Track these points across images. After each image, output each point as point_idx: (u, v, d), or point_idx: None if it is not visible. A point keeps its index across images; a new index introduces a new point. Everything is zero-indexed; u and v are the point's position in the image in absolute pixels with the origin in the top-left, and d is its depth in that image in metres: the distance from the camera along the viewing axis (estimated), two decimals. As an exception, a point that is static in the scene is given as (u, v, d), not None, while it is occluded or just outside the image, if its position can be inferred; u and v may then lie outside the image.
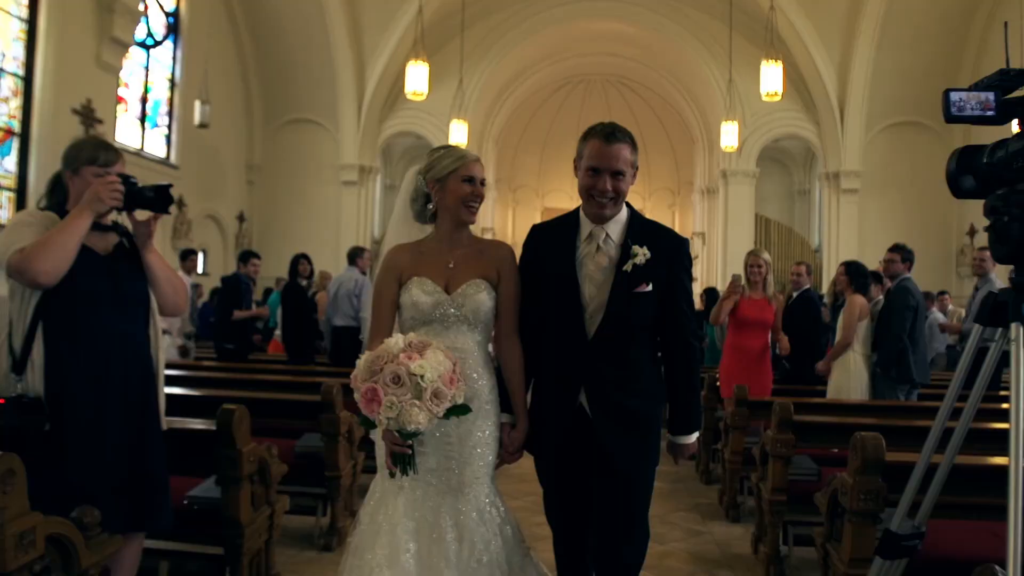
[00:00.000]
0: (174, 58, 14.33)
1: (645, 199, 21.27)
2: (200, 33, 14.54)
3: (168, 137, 14.32)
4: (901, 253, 5.69)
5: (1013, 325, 1.74)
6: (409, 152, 18.64)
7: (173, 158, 14.34)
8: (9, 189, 10.20)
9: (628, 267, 2.33)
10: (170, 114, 14.34)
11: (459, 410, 2.14)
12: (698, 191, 19.40)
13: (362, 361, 2.09)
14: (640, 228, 2.42)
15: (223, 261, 15.86)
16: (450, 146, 2.48)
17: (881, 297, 5.93)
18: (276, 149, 16.67)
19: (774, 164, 18.78)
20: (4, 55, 9.88)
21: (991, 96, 1.74)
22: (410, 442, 2.12)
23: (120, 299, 2.48)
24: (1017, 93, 1.76)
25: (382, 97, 16.27)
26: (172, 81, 14.33)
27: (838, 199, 15.95)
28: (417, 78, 11.89)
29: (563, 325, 2.38)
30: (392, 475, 2.21)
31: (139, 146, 13.27)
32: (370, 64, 15.81)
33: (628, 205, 2.43)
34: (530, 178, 21.36)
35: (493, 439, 2.37)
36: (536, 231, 2.57)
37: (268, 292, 10.67)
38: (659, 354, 2.49)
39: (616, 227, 2.41)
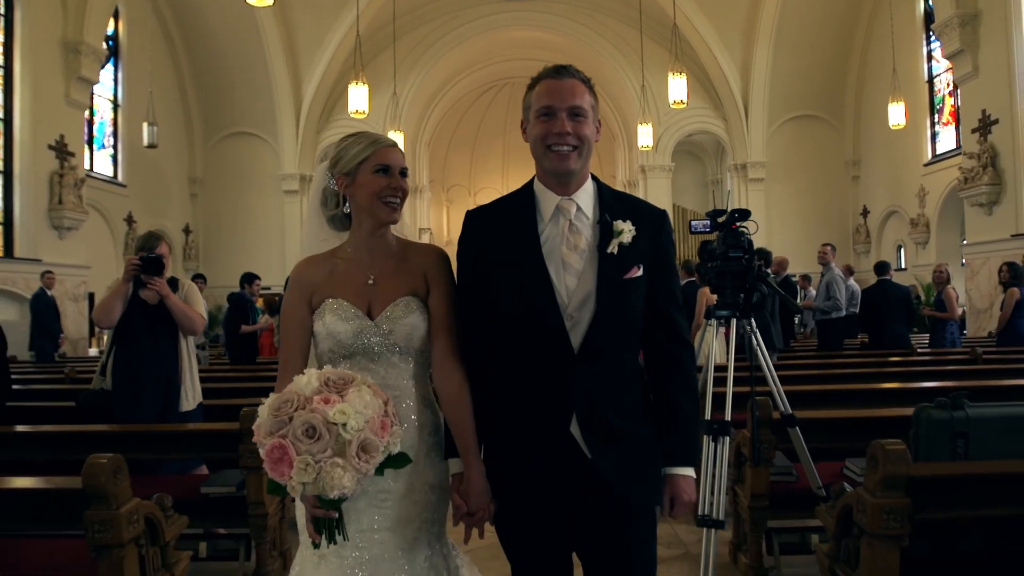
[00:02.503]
0: (115, 80, 15.13)
1: (572, 194, 22.96)
2: (140, 55, 15.38)
3: (114, 157, 15.12)
4: (764, 259, 7.34)
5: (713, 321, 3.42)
6: (346, 159, 19.77)
7: (120, 177, 15.15)
8: (-4, 222, 11.22)
9: (613, 248, 1.80)
10: (115, 135, 15.14)
11: (396, 461, 1.68)
12: (620, 184, 21.17)
13: (264, 408, 1.62)
14: (613, 200, 1.88)
15: (172, 272, 16.68)
16: (360, 132, 1.98)
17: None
18: (217, 162, 17.61)
19: (689, 157, 20.73)
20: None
21: (708, 222, 3.43)
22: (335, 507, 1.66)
23: (154, 329, 3.88)
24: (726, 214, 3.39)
25: (319, 108, 17.37)
26: (115, 103, 15.12)
27: (746, 187, 17.90)
28: (358, 98, 13.11)
29: (534, 334, 1.79)
30: (316, 545, 1.74)
31: (88, 167, 14.08)
32: (306, 77, 16.91)
33: (592, 176, 1.91)
34: (462, 177, 22.77)
35: (442, 490, 1.90)
36: (475, 217, 1.93)
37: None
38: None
39: (586, 198, 1.87)
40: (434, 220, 21.85)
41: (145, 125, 14.33)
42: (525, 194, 1.89)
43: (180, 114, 17.11)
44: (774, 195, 17.84)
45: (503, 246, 1.83)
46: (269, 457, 1.55)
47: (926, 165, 15.31)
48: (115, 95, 15.13)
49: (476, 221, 1.91)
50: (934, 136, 15.41)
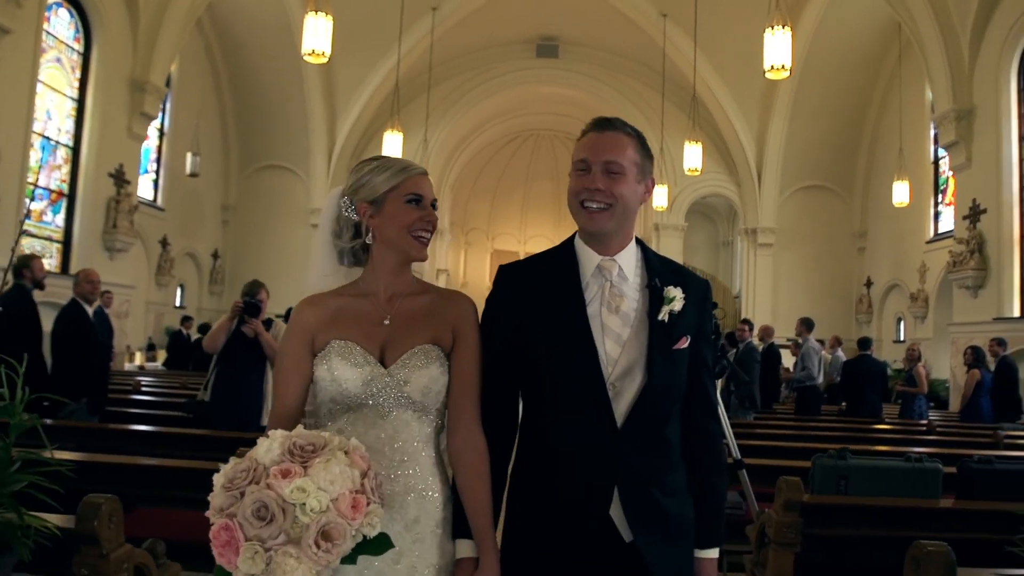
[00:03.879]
0: (163, 110, 16.50)
1: (587, 243, 24.20)
2: (189, 88, 16.77)
3: (155, 182, 16.44)
4: (754, 327, 8.45)
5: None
6: (372, 197, 21.11)
7: (159, 201, 16.44)
8: (57, 241, 12.61)
9: (664, 315, 1.72)
10: (158, 160, 16.48)
11: (375, 546, 1.40)
12: (634, 239, 22.38)
13: (219, 477, 1.38)
14: (660, 264, 1.83)
15: (198, 295, 17.94)
16: (384, 157, 1.84)
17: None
18: (250, 192, 18.92)
19: (702, 217, 21.91)
20: (60, 129, 12.35)
21: None
22: None
23: (249, 358, 4.98)
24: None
25: (351, 147, 18.69)
26: (161, 131, 16.49)
27: (755, 251, 19.02)
28: (393, 145, 14.37)
29: (575, 404, 1.69)
30: None
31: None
32: (341, 117, 18.25)
33: (637, 239, 1.84)
34: (481, 222, 24.03)
35: (447, 572, 1.69)
36: (510, 272, 1.84)
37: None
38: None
39: (629, 260, 1.79)
40: (451, 262, 23.07)
41: (189, 155, 15.60)
42: (565, 251, 1.80)
43: (219, 144, 18.46)
44: (782, 261, 18.92)
45: (542, 304, 1.72)
46: (216, 539, 1.30)
47: (928, 242, 16.35)
48: (162, 124, 16.50)
49: (512, 276, 1.81)
50: (937, 215, 16.49)
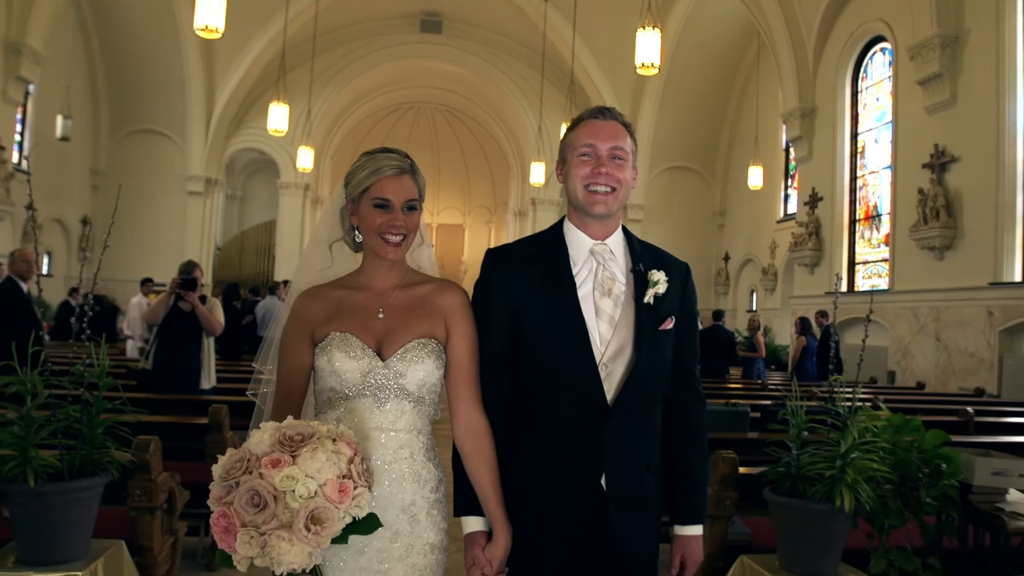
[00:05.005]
0: (29, 68, 16.08)
1: (465, 215, 25.16)
2: (55, 45, 16.36)
3: (20, 144, 16.05)
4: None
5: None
6: (251, 165, 21.29)
7: (25, 164, 16.09)
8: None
9: (649, 298, 1.80)
10: (23, 122, 16.08)
11: (363, 526, 1.49)
12: (511, 212, 23.55)
13: (217, 467, 1.50)
14: (643, 249, 1.91)
15: (67, 264, 17.67)
16: (382, 150, 1.86)
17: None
18: (122, 157, 18.68)
19: (577, 193, 23.32)
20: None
21: None
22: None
23: (185, 329, 5.70)
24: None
25: (231, 114, 18.77)
26: (26, 92, 16.07)
27: (626, 225, 20.55)
28: (278, 117, 14.75)
29: (566, 383, 1.77)
30: None
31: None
32: (221, 83, 18.29)
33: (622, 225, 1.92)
34: (361, 192, 24.51)
35: (441, 551, 1.81)
36: (500, 257, 1.90)
37: (254, 304, 11.77)
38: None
39: (618, 245, 1.88)
40: (332, 230, 23.50)
41: (60, 117, 15.37)
42: (554, 235, 1.89)
43: (88, 106, 18.07)
44: (650, 236, 19.73)
45: (535, 288, 1.80)
46: (216, 525, 1.42)
47: (778, 222, 18.33)
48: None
49: (502, 261, 1.87)
50: (786, 198, 18.53)
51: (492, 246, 1.99)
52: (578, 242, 1.86)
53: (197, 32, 10.97)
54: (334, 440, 1.50)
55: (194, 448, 4.35)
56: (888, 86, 12.83)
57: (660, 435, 1.88)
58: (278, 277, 18.64)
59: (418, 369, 1.78)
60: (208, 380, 5.86)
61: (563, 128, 9.92)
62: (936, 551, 2.86)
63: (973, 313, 10.46)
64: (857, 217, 13.92)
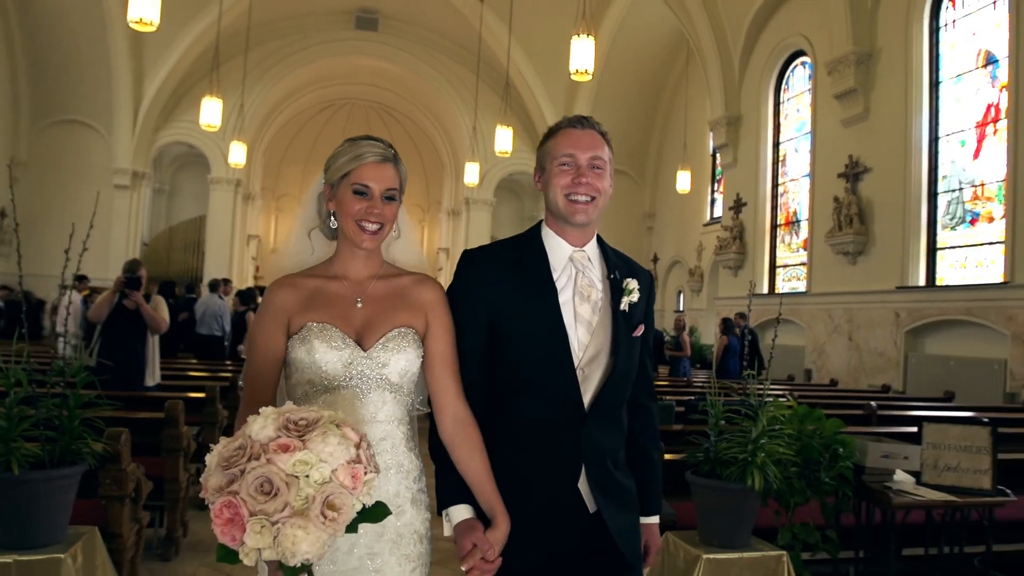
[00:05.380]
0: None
1: (399, 213, 25.29)
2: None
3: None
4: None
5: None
6: (180, 159, 20.94)
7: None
8: None
9: (625, 305, 1.87)
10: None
11: (373, 514, 1.44)
12: (445, 211, 23.79)
13: (213, 456, 1.39)
14: (615, 257, 1.97)
15: (-17, 256, 17.16)
16: (365, 137, 1.83)
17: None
18: (44, 148, 18.17)
19: (509, 193, 23.68)
20: None
21: None
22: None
23: (130, 326, 5.83)
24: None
25: (160, 106, 18.47)
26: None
27: (558, 228, 21.04)
28: (211, 112, 14.64)
29: (544, 387, 1.82)
30: None
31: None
32: (150, 74, 17.98)
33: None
34: (293, 187, 24.35)
35: (428, 540, 1.83)
36: (479, 259, 1.93)
37: (189, 301, 11.58)
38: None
39: (594, 253, 1.93)
40: (262, 227, 23.35)
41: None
42: (533, 240, 1.92)
43: (7, 94, 17.55)
44: (581, 236, 21.13)
45: (515, 292, 1.84)
46: (218, 518, 1.31)
47: (704, 225, 19.02)
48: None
49: (481, 263, 1.90)
50: (712, 202, 19.26)
51: (430, 248, 2.14)
52: (557, 248, 1.90)
53: (131, 25, 10.89)
54: (338, 425, 1.41)
55: (145, 443, 4.41)
56: (808, 98, 13.56)
57: (625, 434, 1.95)
58: (207, 273, 18.45)
59: (400, 358, 1.76)
60: (152, 377, 5.98)
61: (498, 133, 10.29)
62: (834, 525, 3.29)
63: (882, 315, 11.21)
64: (778, 222, 14.66)
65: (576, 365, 1.82)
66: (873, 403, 6.21)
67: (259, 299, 12.52)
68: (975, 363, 9.48)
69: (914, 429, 5.67)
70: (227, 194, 19.81)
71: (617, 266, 1.93)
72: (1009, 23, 9.31)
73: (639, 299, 1.91)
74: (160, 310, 6.01)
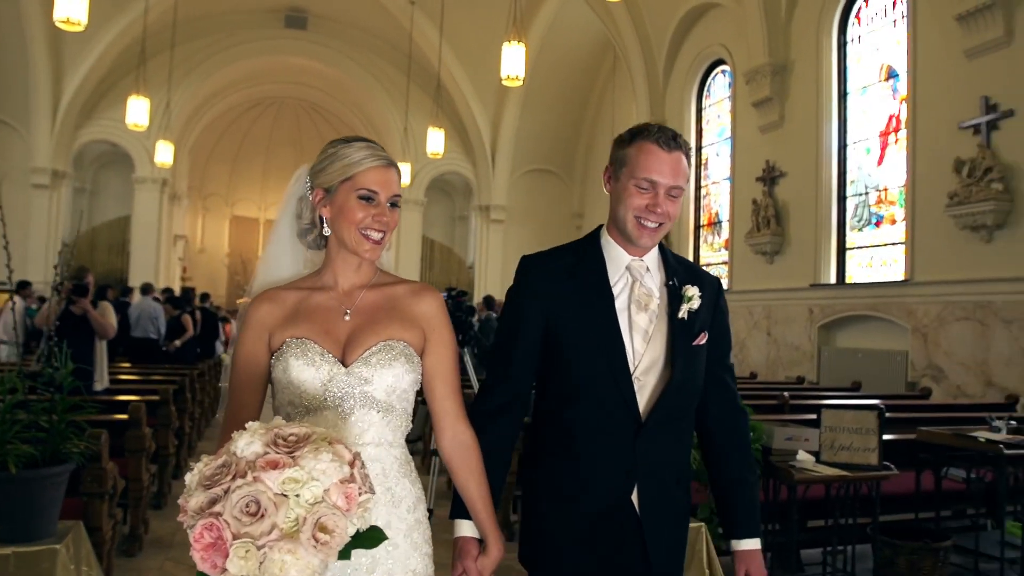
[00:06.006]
0: None
1: (329, 212, 25.31)
2: None
3: None
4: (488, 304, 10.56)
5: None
6: (102, 158, 20.55)
7: None
8: None
9: (684, 313, 1.83)
10: None
11: (367, 540, 1.33)
12: (377, 210, 23.94)
13: (194, 476, 1.28)
14: (677, 264, 1.93)
15: None
16: (352, 139, 1.72)
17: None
18: (-43, 146, 17.64)
19: (441, 193, 24.00)
20: None
21: (446, 293, 6.46)
22: None
23: (78, 332, 6.02)
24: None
25: (81, 102, 18.12)
26: None
27: (488, 226, 21.50)
28: (138, 111, 14.53)
29: (601, 397, 1.78)
30: None
31: None
32: (70, 69, 17.63)
33: None
34: (220, 187, 24.17)
35: None
36: (536, 265, 1.90)
37: (122, 304, 11.39)
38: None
39: (653, 260, 1.90)
40: (188, 227, 23.06)
41: None
42: (591, 247, 1.89)
43: (-83, 90, 17.02)
44: (512, 236, 21.57)
45: (572, 300, 1.81)
46: (198, 543, 1.19)
47: (631, 225, 19.76)
48: None
49: (538, 269, 1.88)
50: (638, 202, 19.97)
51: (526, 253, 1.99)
52: (616, 256, 1.87)
53: (59, 24, 10.85)
54: (330, 443, 1.30)
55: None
56: (728, 105, 14.31)
57: (689, 450, 1.90)
58: (133, 275, 18.24)
59: (386, 374, 1.63)
60: (101, 382, 6.14)
61: (429, 135, 10.69)
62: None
63: (797, 311, 11.99)
64: (701, 223, 15.40)
65: (632, 374, 1.79)
66: (786, 393, 6.81)
67: (196, 302, 12.64)
68: (880, 355, 10.27)
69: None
70: (152, 194, 19.55)
71: (677, 273, 1.89)
72: (908, 40, 10.12)
73: (701, 307, 1.85)
74: (107, 316, 6.18)
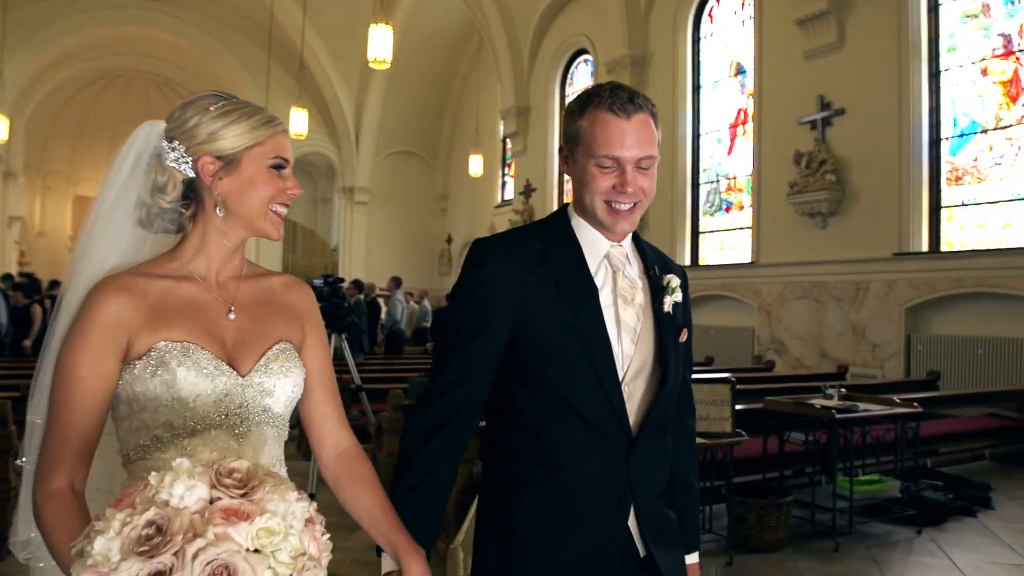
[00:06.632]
0: None
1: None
2: None
3: None
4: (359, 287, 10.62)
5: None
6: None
7: None
8: None
9: (668, 307, 1.57)
10: None
11: None
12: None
13: (108, 537, 0.93)
14: (649, 248, 1.66)
15: None
16: (232, 98, 1.39)
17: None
18: None
19: (302, 174, 23.44)
20: None
21: (323, 280, 6.70)
22: None
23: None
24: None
25: None
26: None
27: (352, 209, 21.29)
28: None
29: (584, 410, 1.49)
30: None
31: None
32: None
33: None
34: (61, 165, 22.65)
35: None
36: (496, 249, 1.55)
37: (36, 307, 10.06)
38: None
39: (629, 246, 1.61)
40: (26, 208, 21.44)
41: None
42: (562, 230, 1.58)
43: None
44: (376, 218, 21.47)
45: (546, 294, 1.49)
46: None
47: (496, 207, 20.01)
48: None
49: (502, 255, 1.52)
50: (504, 184, 20.32)
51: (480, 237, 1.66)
52: (592, 242, 1.56)
53: None
54: (268, 474, 1.05)
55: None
56: (590, 93, 14.82)
57: (670, 460, 1.65)
58: (-36, 258, 16.90)
59: (286, 383, 1.40)
60: None
61: (292, 115, 10.55)
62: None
63: (655, 292, 12.68)
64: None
65: (621, 380, 1.51)
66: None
67: (44, 290, 11.81)
68: (731, 331, 11.07)
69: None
70: (-16, 170, 18.13)
71: (654, 261, 1.63)
72: (755, 40, 10.88)
73: (681, 299, 1.61)
74: None
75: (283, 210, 1.40)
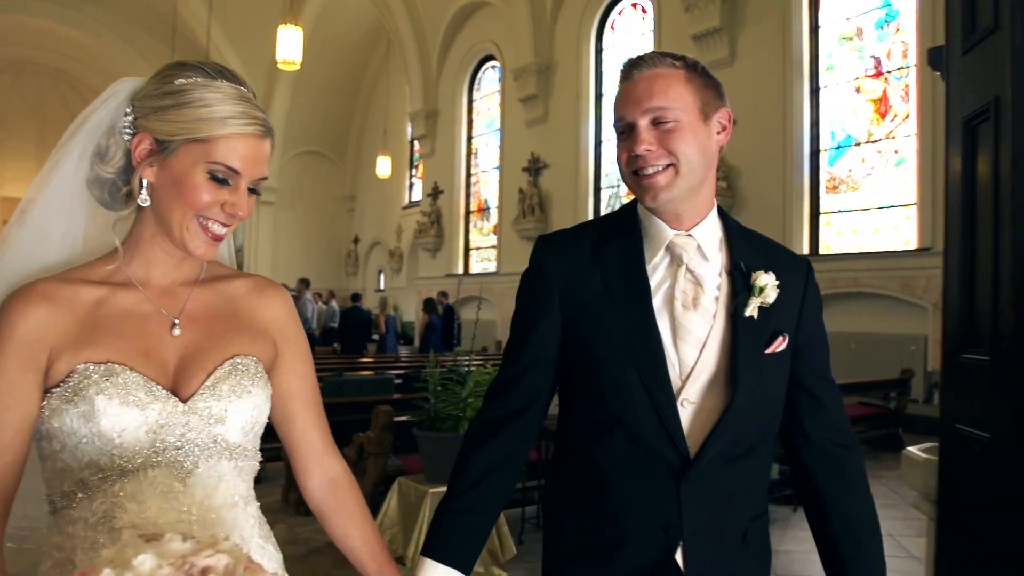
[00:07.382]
0: None
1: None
2: None
3: None
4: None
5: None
6: None
7: None
8: None
9: (753, 310, 1.32)
10: None
11: None
12: (135, 188, 22.39)
13: None
14: (744, 240, 1.41)
15: None
16: (222, 72, 1.12)
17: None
18: None
19: (207, 171, 22.90)
20: None
21: None
22: None
23: None
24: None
25: None
26: None
27: (257, 209, 20.89)
28: None
29: (631, 425, 1.30)
30: None
31: None
32: None
33: (718, 208, 1.41)
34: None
35: None
36: (553, 246, 1.42)
37: None
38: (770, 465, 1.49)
39: (708, 236, 1.36)
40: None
41: None
42: (627, 221, 1.40)
43: None
44: (281, 219, 21.16)
45: (594, 295, 1.33)
46: None
47: (404, 208, 20.07)
48: None
49: (554, 252, 1.39)
50: (411, 186, 20.38)
51: None
52: (656, 232, 1.36)
53: None
54: (241, 561, 0.81)
55: None
56: (498, 99, 15.09)
57: (764, 496, 1.43)
58: None
59: (243, 406, 1.14)
60: None
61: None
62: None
63: (559, 292, 13.04)
64: (472, 209, 16.12)
65: (676, 396, 1.30)
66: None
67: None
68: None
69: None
70: None
71: (746, 254, 1.37)
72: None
73: (779, 299, 1.34)
74: None
75: (217, 228, 1.11)
